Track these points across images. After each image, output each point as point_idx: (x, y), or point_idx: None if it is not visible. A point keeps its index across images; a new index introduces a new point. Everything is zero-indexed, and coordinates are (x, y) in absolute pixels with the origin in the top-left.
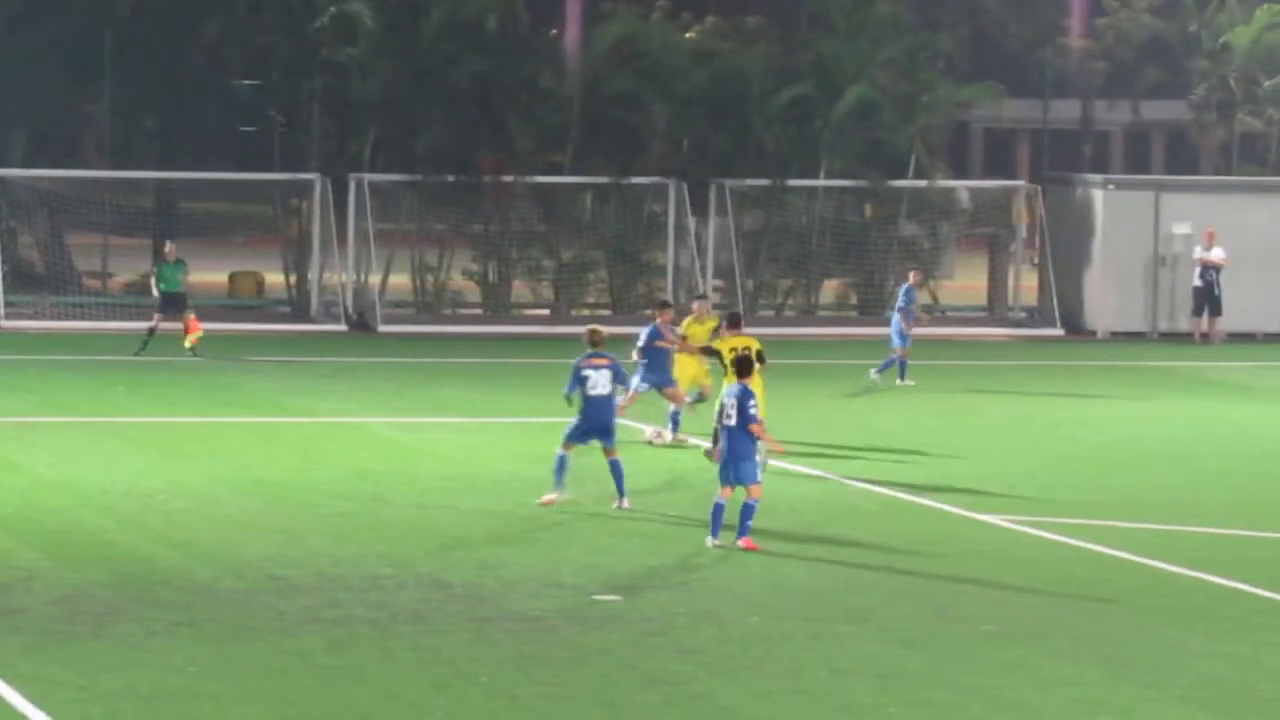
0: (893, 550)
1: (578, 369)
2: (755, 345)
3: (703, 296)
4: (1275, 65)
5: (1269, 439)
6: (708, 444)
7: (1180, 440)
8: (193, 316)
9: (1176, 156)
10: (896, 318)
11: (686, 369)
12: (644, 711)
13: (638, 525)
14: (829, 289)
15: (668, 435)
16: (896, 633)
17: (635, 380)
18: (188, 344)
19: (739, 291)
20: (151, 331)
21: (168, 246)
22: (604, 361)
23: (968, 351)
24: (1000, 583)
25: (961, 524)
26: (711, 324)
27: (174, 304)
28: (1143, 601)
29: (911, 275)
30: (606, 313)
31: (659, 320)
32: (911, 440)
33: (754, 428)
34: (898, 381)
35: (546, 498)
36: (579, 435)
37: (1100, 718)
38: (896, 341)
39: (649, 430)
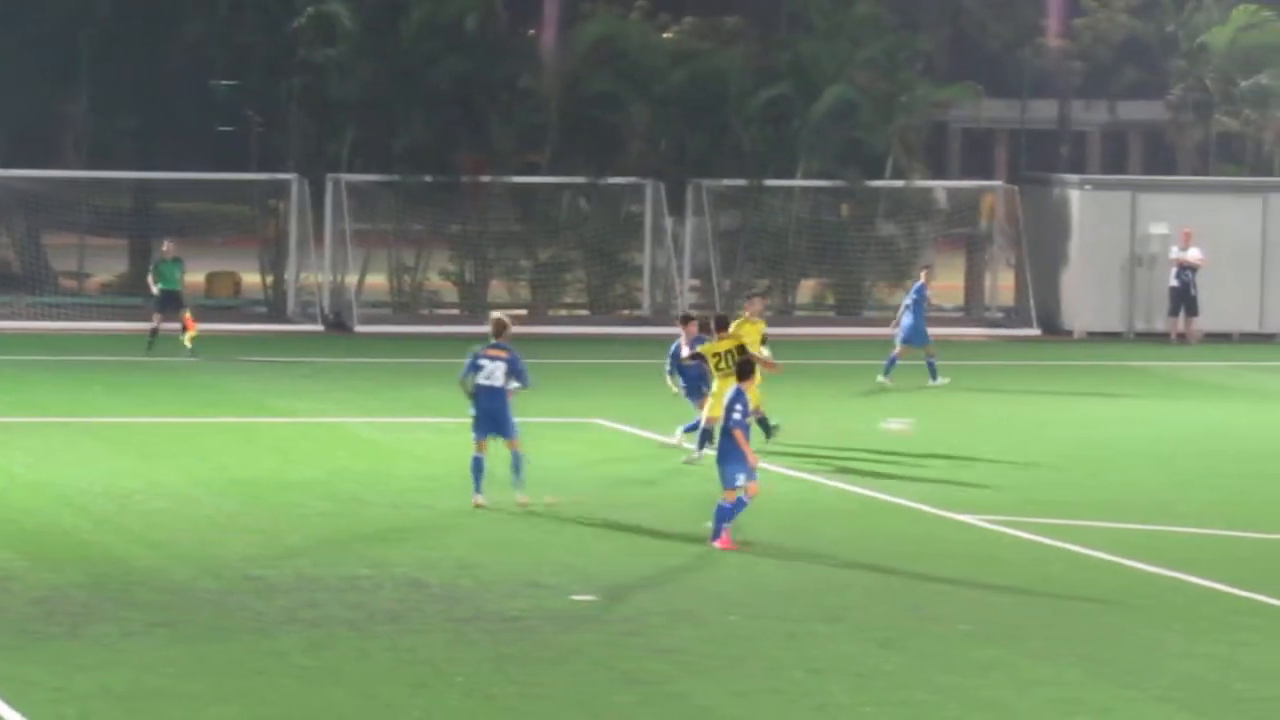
0: (870, 550)
1: (475, 356)
2: (729, 343)
3: (758, 294)
4: (1252, 65)
5: (1247, 439)
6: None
7: (1158, 440)
8: (188, 315)
9: (1154, 157)
10: (910, 317)
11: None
12: (621, 711)
13: (614, 526)
14: (806, 289)
15: (670, 440)
16: (873, 632)
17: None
18: (188, 343)
19: (716, 291)
20: (154, 331)
21: (165, 245)
22: (502, 354)
23: (944, 351)
24: (977, 582)
25: (938, 524)
26: (762, 326)
27: (172, 302)
28: (1120, 601)
29: (923, 273)
30: (584, 313)
31: (684, 334)
32: (889, 440)
33: (736, 433)
34: (880, 378)
35: (475, 500)
36: (477, 427)
37: (1077, 718)
38: (920, 340)
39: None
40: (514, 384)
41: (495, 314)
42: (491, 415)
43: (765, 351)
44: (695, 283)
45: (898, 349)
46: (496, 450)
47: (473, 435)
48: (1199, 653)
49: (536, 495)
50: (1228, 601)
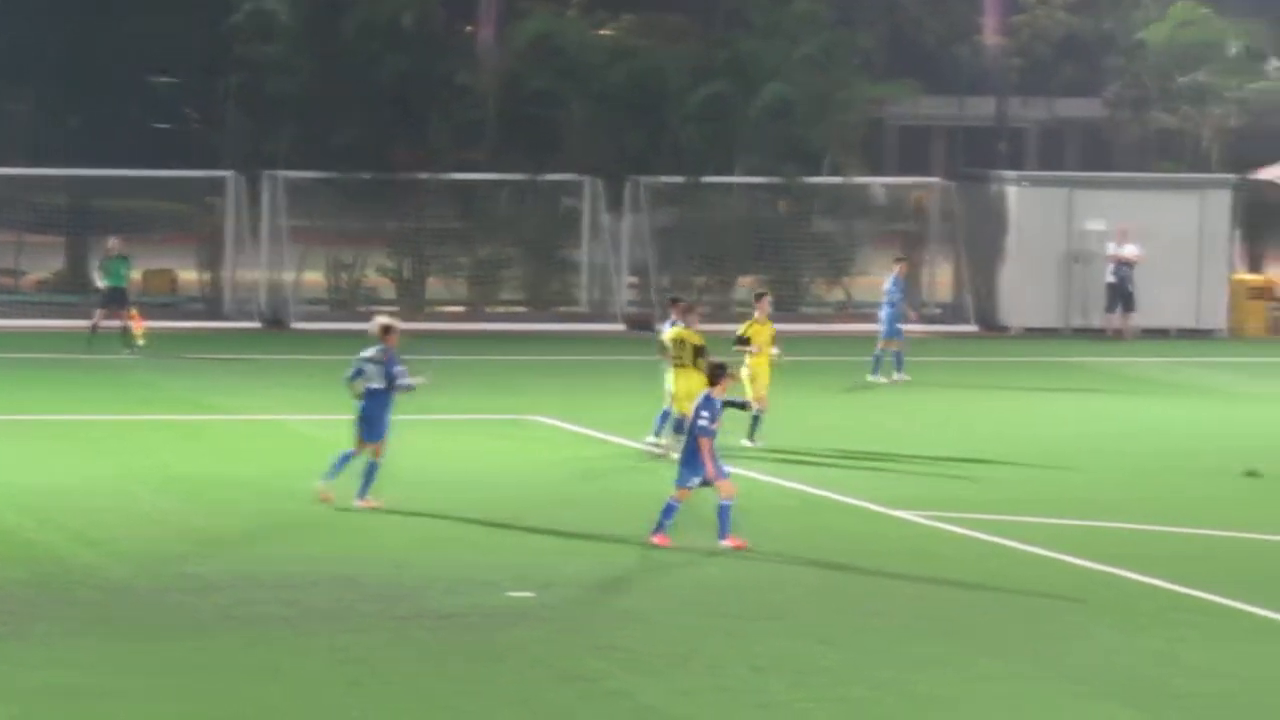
0: (812, 547)
1: (360, 361)
2: (692, 339)
3: (765, 294)
4: (1189, 62)
5: (1185, 435)
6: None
7: (1097, 436)
8: (135, 312)
9: (1091, 153)
10: (888, 311)
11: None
12: (561, 709)
13: (552, 522)
14: (744, 285)
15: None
16: (815, 629)
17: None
18: (140, 340)
19: (653, 288)
20: (94, 328)
21: (111, 241)
22: (381, 357)
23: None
24: (918, 579)
25: (880, 520)
26: (771, 327)
27: (117, 299)
28: (1059, 597)
29: (898, 266)
30: (522, 309)
31: (673, 316)
32: (830, 437)
33: (701, 441)
34: (895, 376)
35: (319, 488)
36: (357, 427)
37: (1015, 713)
38: (887, 334)
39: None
40: (404, 383)
41: (378, 318)
42: (367, 417)
43: (775, 351)
44: (633, 280)
45: (894, 344)
46: (416, 451)
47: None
48: (1138, 648)
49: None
50: (1166, 597)
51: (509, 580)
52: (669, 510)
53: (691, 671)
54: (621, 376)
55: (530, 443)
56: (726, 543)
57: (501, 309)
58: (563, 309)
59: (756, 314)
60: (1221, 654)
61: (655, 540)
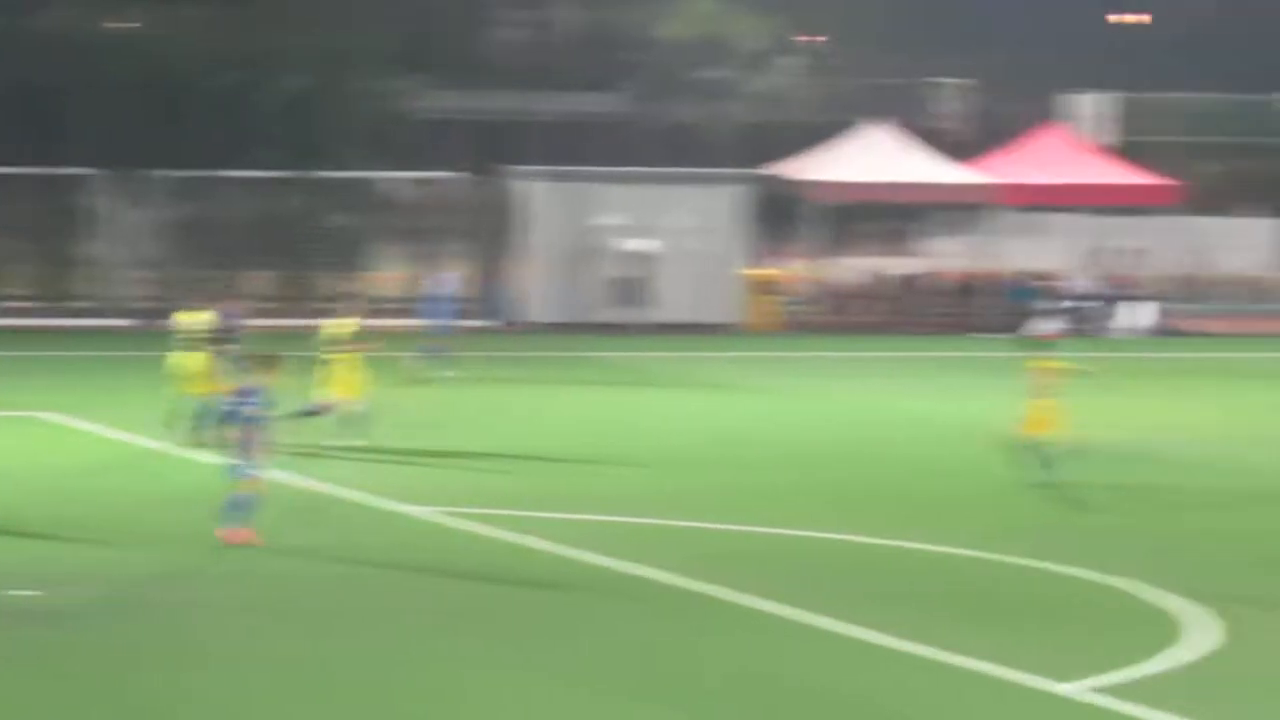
0: (328, 543)
1: None
2: (203, 319)
3: (349, 294)
4: (707, 57)
5: (698, 430)
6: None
7: (613, 434)
8: None
9: (609, 148)
10: (436, 309)
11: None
12: (61, 707)
13: (58, 520)
14: (257, 281)
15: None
16: (330, 626)
17: None
18: None
19: (166, 283)
20: None
21: None
22: None
23: (405, 343)
24: (436, 573)
25: (398, 515)
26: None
27: None
28: (571, 592)
29: (445, 267)
30: (31, 304)
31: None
32: (341, 434)
33: (246, 428)
34: (429, 370)
35: None
36: None
37: (524, 706)
38: (441, 332)
39: None
40: None
41: None
42: None
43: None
44: (146, 274)
45: (437, 341)
46: None
47: None
48: (657, 642)
49: None
50: (681, 593)
51: (10, 579)
52: (240, 503)
53: (204, 670)
54: (133, 373)
55: (38, 440)
56: (230, 536)
57: (11, 304)
58: (73, 304)
59: (343, 313)
60: (740, 650)
61: (226, 534)
